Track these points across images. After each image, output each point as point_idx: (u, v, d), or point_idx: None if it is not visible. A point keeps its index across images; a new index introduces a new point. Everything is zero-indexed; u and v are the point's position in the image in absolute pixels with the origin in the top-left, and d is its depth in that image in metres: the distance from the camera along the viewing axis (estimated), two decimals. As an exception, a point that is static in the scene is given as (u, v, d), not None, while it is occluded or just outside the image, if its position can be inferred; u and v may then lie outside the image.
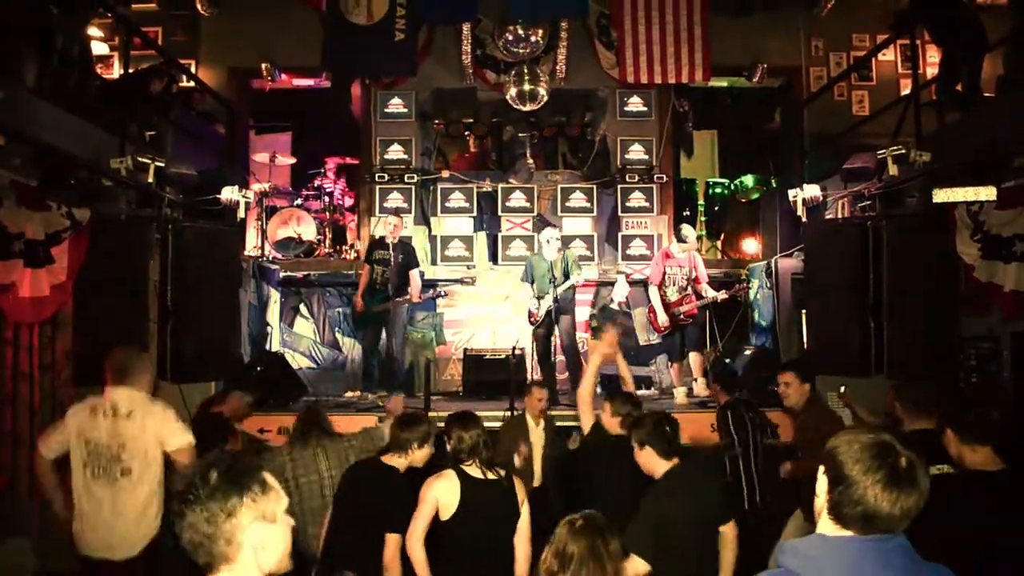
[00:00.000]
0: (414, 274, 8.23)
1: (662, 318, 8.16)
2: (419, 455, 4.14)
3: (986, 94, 6.56)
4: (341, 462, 4.65)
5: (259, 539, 1.80)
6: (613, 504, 3.77)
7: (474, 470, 3.92)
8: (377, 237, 8.50)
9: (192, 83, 9.05)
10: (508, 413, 6.94)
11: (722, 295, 8.15)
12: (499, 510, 3.89)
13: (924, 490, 1.81)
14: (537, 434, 6.18)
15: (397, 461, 4.12)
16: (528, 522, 3.92)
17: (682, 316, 8.13)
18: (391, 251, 8.10)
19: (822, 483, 1.91)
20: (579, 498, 4.70)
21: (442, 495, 3.84)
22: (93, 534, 4.17)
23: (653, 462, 3.84)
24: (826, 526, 1.89)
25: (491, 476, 3.93)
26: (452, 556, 3.85)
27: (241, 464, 1.87)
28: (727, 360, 8.79)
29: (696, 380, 8.17)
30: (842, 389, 6.23)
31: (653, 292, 8.28)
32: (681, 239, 8.19)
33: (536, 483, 5.95)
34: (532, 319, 8.12)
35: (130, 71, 7.05)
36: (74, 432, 4.21)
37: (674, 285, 8.22)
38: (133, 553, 4.16)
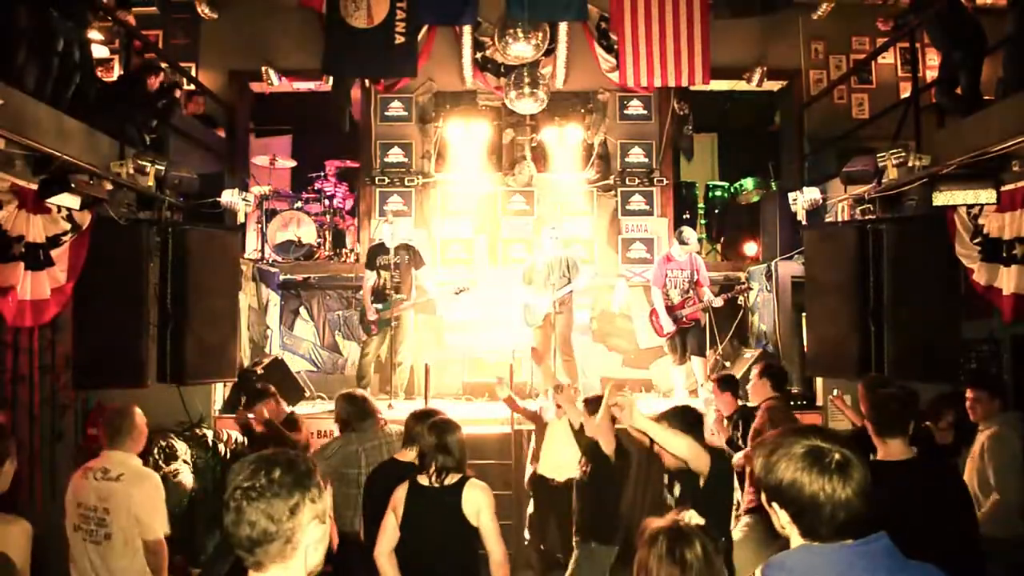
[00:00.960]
0: (423, 274, 8.24)
1: (666, 322, 8.16)
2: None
3: (986, 97, 6.56)
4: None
5: (314, 538, 1.80)
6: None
7: (424, 478, 3.84)
8: (376, 243, 8.49)
9: (192, 86, 9.06)
10: (509, 418, 6.92)
11: (720, 301, 8.14)
12: (437, 521, 3.78)
13: (864, 467, 1.83)
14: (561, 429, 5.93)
15: (411, 455, 4.19)
16: (492, 526, 3.80)
17: (685, 318, 8.13)
18: (394, 254, 8.11)
19: (783, 516, 1.90)
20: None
21: (397, 505, 3.83)
22: None
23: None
24: (802, 542, 1.89)
25: (436, 484, 3.81)
26: (401, 568, 3.82)
27: (302, 462, 1.84)
28: (726, 364, 8.80)
29: (702, 385, 8.15)
30: (834, 392, 6.23)
31: (656, 295, 8.29)
32: (683, 241, 8.19)
33: None
34: (531, 320, 8.12)
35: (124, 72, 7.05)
36: (70, 496, 4.13)
37: (676, 288, 8.22)
38: None
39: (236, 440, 6.79)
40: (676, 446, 3.58)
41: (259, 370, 7.81)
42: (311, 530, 1.78)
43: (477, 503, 3.81)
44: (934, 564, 1.89)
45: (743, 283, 9.06)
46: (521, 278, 8.33)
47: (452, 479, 3.83)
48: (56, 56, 5.87)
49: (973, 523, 3.54)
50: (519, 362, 8.34)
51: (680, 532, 2.48)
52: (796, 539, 1.89)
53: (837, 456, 1.82)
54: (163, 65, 7.87)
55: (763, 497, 1.96)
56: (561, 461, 5.82)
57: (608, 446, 4.72)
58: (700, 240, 10.16)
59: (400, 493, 3.84)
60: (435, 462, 3.82)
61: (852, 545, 1.81)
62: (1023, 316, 5.69)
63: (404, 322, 8.20)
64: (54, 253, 5.57)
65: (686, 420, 3.82)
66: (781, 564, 1.87)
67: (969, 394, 5.11)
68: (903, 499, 3.09)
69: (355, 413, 5.02)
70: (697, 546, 2.43)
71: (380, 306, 8.07)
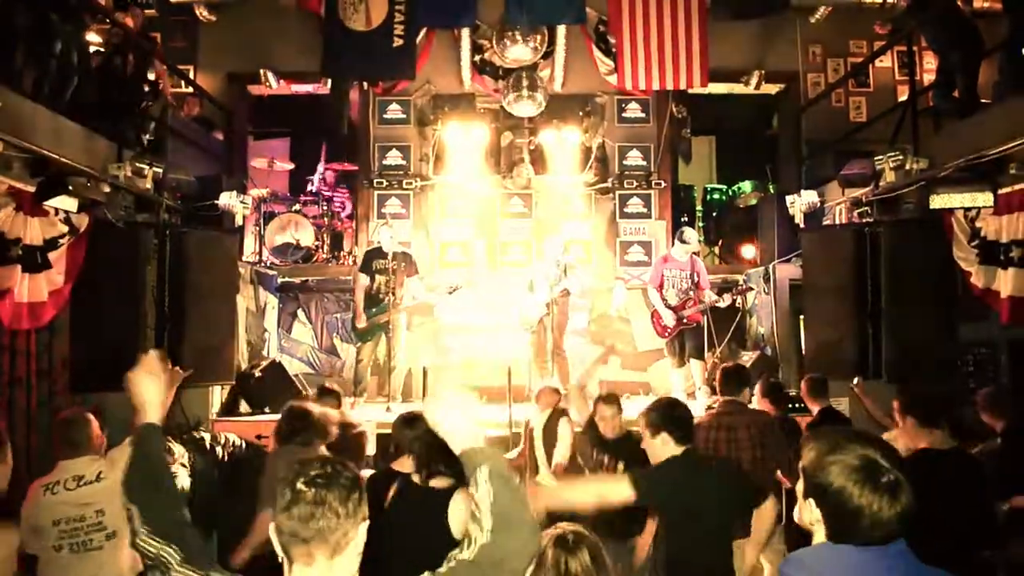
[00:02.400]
0: (417, 281, 8.22)
1: (667, 317, 8.13)
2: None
3: (983, 100, 6.58)
4: None
5: (362, 538, 1.85)
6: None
7: (416, 476, 3.62)
8: (374, 247, 8.49)
9: (190, 89, 9.06)
10: (508, 421, 6.91)
11: (726, 299, 8.14)
12: (420, 522, 3.49)
13: (912, 493, 1.83)
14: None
15: (407, 464, 3.82)
16: None
17: (686, 319, 8.12)
18: (390, 260, 8.09)
19: (815, 513, 1.91)
20: None
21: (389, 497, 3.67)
22: None
23: (667, 449, 3.60)
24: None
25: (423, 484, 3.57)
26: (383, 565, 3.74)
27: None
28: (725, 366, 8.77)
29: (700, 388, 8.14)
30: (855, 380, 6.25)
31: (653, 295, 8.29)
32: (684, 240, 8.20)
33: None
34: (530, 323, 8.14)
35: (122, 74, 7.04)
36: (36, 519, 3.71)
37: (674, 288, 8.21)
38: None
39: (234, 443, 6.78)
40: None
41: (257, 373, 7.80)
42: (362, 530, 1.84)
43: (463, 517, 3.41)
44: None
45: (741, 285, 9.05)
46: (528, 286, 8.40)
47: (443, 483, 3.54)
48: (54, 58, 5.86)
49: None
50: (516, 365, 8.34)
51: (564, 541, 2.47)
52: (819, 536, 1.90)
53: (892, 477, 1.83)
54: (161, 66, 7.86)
55: (799, 486, 1.97)
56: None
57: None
58: (699, 243, 10.18)
59: (393, 487, 3.66)
60: (422, 461, 3.60)
61: (872, 548, 1.82)
62: (1020, 319, 5.71)
63: (397, 326, 8.18)
64: (52, 256, 5.57)
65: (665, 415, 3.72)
66: (800, 561, 1.89)
67: None
68: (950, 484, 3.66)
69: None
70: (584, 554, 2.44)
71: (374, 310, 8.05)
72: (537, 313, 8.06)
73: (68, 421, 4.03)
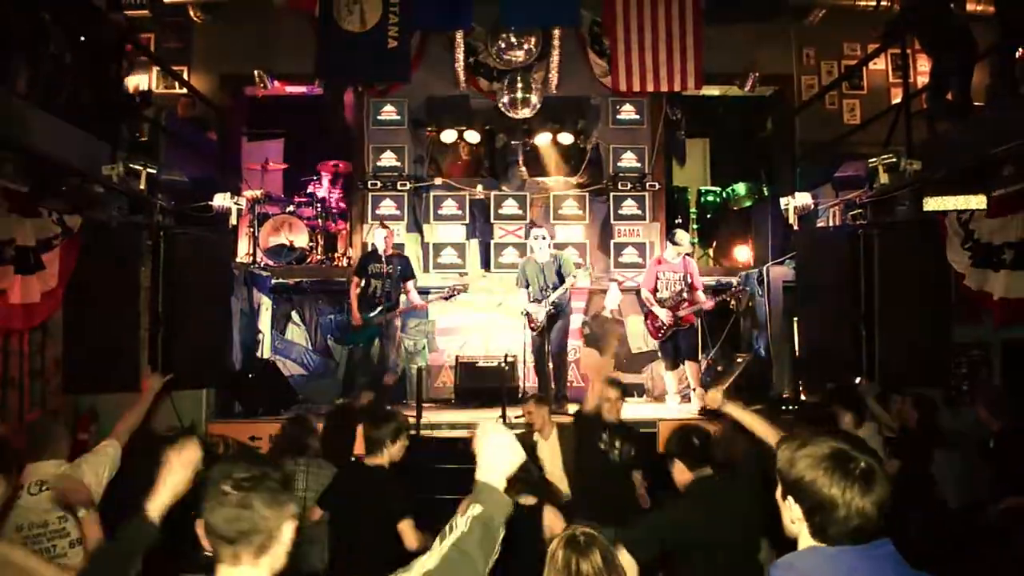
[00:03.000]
0: (412, 285, 8.20)
1: (663, 315, 8.12)
2: (395, 449, 4.23)
3: (976, 103, 6.60)
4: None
5: (289, 538, 1.86)
6: None
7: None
8: (369, 249, 8.46)
9: (184, 90, 9.05)
10: (500, 420, 6.91)
11: (711, 303, 8.16)
12: (363, 498, 4.02)
13: (888, 483, 1.85)
14: (546, 449, 5.72)
15: (378, 460, 4.21)
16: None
17: (681, 320, 8.13)
18: (386, 263, 8.06)
19: (795, 511, 1.92)
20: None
21: None
22: None
23: (683, 476, 3.71)
24: (811, 542, 1.91)
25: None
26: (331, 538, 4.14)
27: (282, 467, 1.99)
28: (719, 368, 8.81)
29: (694, 390, 8.14)
30: (858, 381, 6.28)
31: (647, 296, 8.30)
32: (674, 242, 8.21)
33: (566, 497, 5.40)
34: (532, 324, 8.07)
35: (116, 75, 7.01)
36: None
37: (667, 290, 8.22)
38: None
39: (227, 445, 6.76)
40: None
41: (251, 375, 7.78)
42: (288, 529, 1.86)
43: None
44: None
45: (735, 286, 9.06)
46: (516, 282, 8.31)
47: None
48: (48, 59, 5.85)
49: None
50: (512, 366, 8.35)
51: (575, 542, 2.50)
52: (804, 538, 1.91)
53: (863, 464, 1.84)
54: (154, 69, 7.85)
55: (779, 491, 1.98)
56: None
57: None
58: (692, 244, 10.20)
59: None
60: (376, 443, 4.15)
61: (858, 549, 1.83)
62: (1013, 321, 5.73)
63: (391, 328, 8.16)
64: (45, 257, 5.55)
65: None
66: (789, 565, 1.89)
67: None
68: None
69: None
70: (595, 556, 2.46)
71: (372, 314, 7.99)
72: (541, 318, 7.94)
73: (33, 424, 3.98)
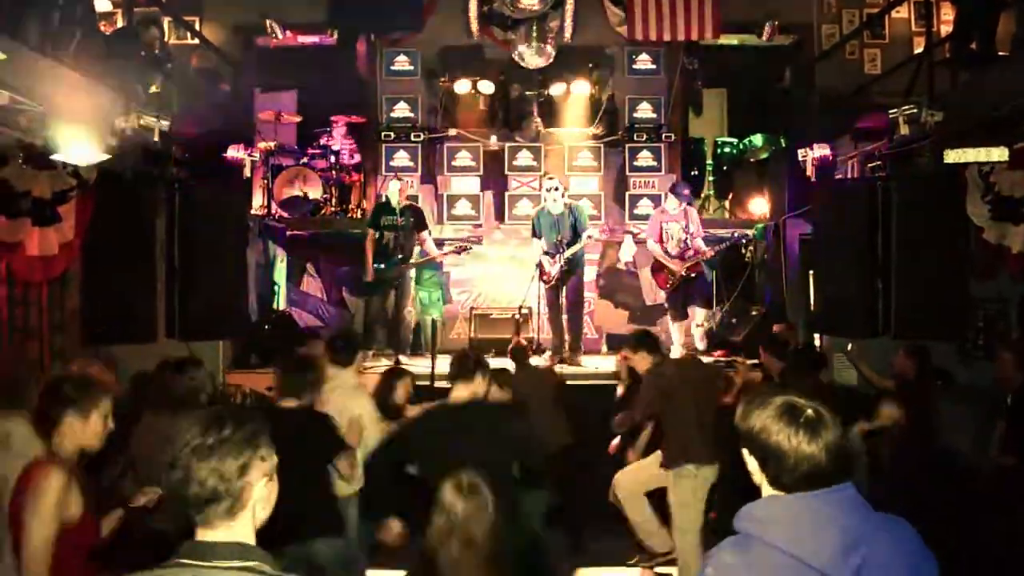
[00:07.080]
0: (427, 235, 8.20)
1: (673, 264, 8.12)
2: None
3: (1001, 53, 6.46)
4: None
5: (261, 497, 1.81)
6: None
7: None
8: (383, 201, 8.45)
9: (196, 40, 8.97)
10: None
11: (710, 252, 8.14)
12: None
13: (836, 429, 1.92)
14: None
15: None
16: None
17: (686, 271, 8.12)
18: (399, 215, 8.05)
19: (752, 463, 1.99)
20: None
21: None
22: None
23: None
24: (771, 491, 1.97)
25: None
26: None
27: (250, 419, 1.85)
28: (733, 320, 8.81)
29: (699, 325, 8.29)
30: (848, 347, 6.25)
31: (654, 247, 8.28)
32: (675, 193, 8.21)
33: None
34: (544, 278, 8.07)
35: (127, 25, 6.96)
36: None
37: (672, 240, 8.21)
38: None
39: (244, 395, 6.85)
40: None
41: (267, 326, 7.85)
42: (259, 488, 1.80)
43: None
44: None
45: (732, 237, 8.89)
46: (531, 231, 8.31)
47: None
48: (58, 10, 5.80)
49: None
50: (526, 318, 8.38)
51: (459, 488, 2.89)
52: (766, 488, 1.97)
53: (810, 412, 1.91)
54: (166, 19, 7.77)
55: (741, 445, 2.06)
56: None
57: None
58: (708, 197, 10.14)
59: None
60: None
61: (815, 494, 1.88)
62: (1032, 275, 5.68)
63: (406, 279, 8.18)
64: (61, 209, 5.58)
65: None
66: (750, 513, 1.95)
67: None
68: None
69: None
70: (474, 500, 2.86)
71: (383, 266, 8.01)
72: (555, 272, 7.95)
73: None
